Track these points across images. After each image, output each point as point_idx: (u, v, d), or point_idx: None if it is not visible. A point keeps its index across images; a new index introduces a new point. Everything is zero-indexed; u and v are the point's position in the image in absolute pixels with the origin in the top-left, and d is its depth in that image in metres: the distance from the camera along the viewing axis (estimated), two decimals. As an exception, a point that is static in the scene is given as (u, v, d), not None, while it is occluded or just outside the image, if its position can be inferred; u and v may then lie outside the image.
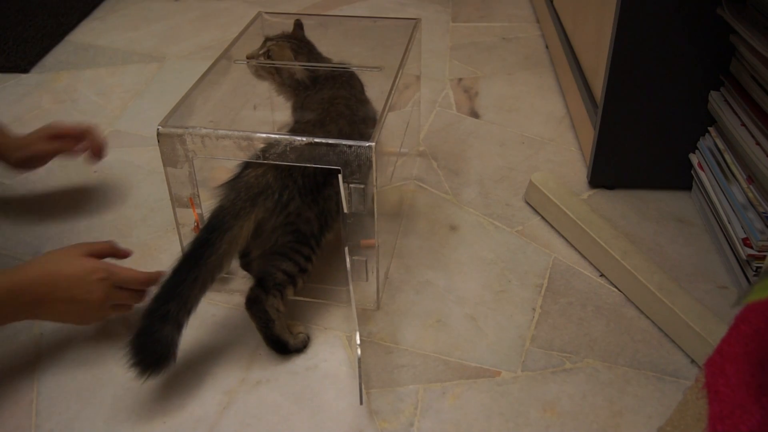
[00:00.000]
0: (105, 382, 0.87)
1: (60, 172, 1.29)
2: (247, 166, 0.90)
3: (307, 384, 0.87)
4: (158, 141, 0.87)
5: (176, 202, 0.93)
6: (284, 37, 1.07)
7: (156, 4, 2.06)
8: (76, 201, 1.21)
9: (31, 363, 0.90)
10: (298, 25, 1.11)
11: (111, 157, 1.34)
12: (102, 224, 1.15)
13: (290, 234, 0.89)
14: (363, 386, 0.85)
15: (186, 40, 1.82)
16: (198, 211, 0.93)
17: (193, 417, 0.83)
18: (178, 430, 0.81)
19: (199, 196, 0.92)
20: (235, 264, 0.99)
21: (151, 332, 0.81)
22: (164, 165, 0.90)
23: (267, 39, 1.07)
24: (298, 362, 0.90)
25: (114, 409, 0.84)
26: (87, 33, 1.87)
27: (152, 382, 0.87)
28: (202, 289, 0.84)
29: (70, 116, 1.47)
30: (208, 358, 0.91)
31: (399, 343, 0.92)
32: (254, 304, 0.88)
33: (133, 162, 1.32)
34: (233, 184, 0.89)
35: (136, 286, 0.90)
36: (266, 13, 1.20)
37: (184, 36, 1.85)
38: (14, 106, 1.51)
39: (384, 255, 1.04)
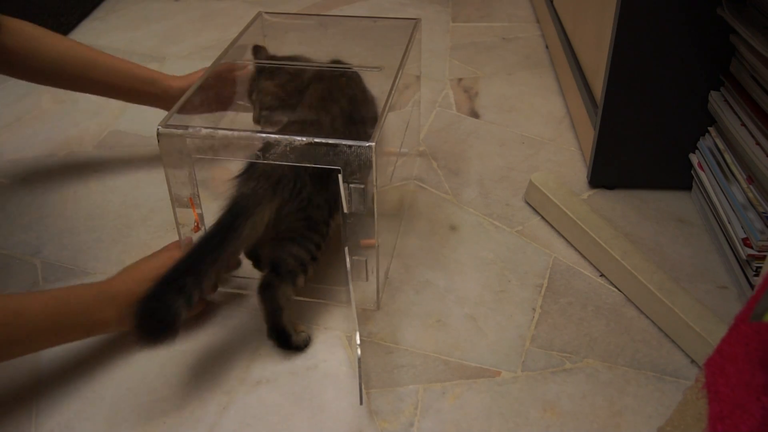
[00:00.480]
0: (105, 382, 0.87)
1: (60, 172, 1.29)
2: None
3: (307, 384, 0.87)
4: (158, 141, 0.87)
5: (176, 202, 0.93)
6: (258, 75, 1.07)
7: (156, 4, 2.06)
8: (76, 201, 1.21)
9: (31, 362, 0.90)
10: (256, 50, 1.10)
11: (111, 157, 1.34)
12: (102, 224, 1.15)
13: (302, 220, 0.89)
14: (363, 386, 0.85)
15: (186, 40, 1.82)
16: (198, 210, 0.93)
17: (193, 417, 0.83)
18: (178, 430, 0.81)
19: (198, 195, 0.92)
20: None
21: (164, 300, 0.79)
22: (164, 165, 0.89)
23: (250, 91, 1.07)
24: (298, 362, 0.90)
25: (114, 409, 0.84)
26: (87, 33, 1.87)
27: (152, 382, 0.87)
28: (217, 273, 0.85)
29: (69, 116, 1.47)
30: (208, 358, 0.91)
31: (399, 343, 0.92)
32: (266, 289, 0.88)
33: (133, 162, 1.32)
34: (250, 174, 0.89)
35: None
36: (266, 13, 1.20)
37: (184, 36, 1.85)
38: (14, 106, 1.51)
39: (384, 255, 1.04)
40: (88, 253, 1.09)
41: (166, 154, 0.89)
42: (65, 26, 1.86)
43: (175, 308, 0.80)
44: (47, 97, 1.54)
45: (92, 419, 0.83)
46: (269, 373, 0.88)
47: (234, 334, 0.94)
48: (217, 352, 0.92)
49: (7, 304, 0.78)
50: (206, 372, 0.89)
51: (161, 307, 0.79)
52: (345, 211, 0.87)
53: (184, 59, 1.71)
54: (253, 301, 0.98)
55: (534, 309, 0.97)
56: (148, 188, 1.24)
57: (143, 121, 1.43)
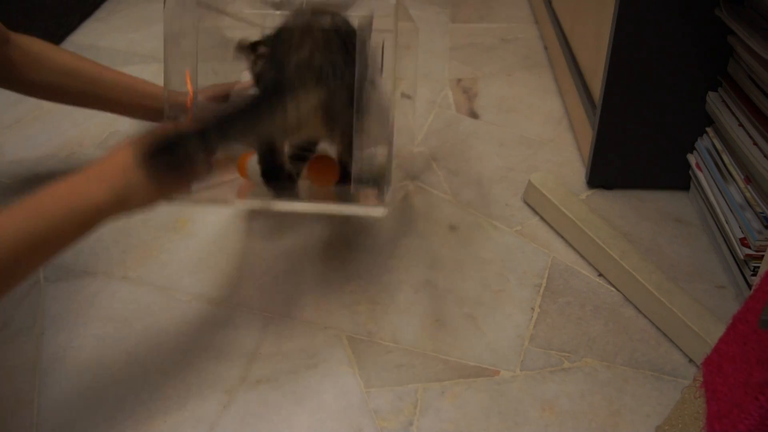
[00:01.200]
0: (105, 382, 0.88)
1: (61, 173, 1.29)
2: (286, 44, 0.81)
3: (307, 384, 0.87)
4: (164, 5, 0.82)
5: (171, 75, 0.85)
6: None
7: (157, 6, 2.06)
8: (76, 201, 1.21)
9: (31, 362, 0.90)
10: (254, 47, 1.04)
11: (111, 157, 1.34)
12: (102, 224, 1.15)
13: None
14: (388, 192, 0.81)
15: (186, 41, 1.83)
16: (193, 86, 0.88)
17: (194, 416, 0.83)
18: (178, 430, 0.82)
19: (196, 71, 0.87)
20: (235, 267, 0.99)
21: (168, 142, 0.76)
22: (165, 35, 0.83)
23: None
24: (298, 362, 0.90)
25: (114, 409, 0.84)
26: (88, 34, 1.87)
27: (153, 381, 0.87)
28: (238, 139, 0.80)
29: (70, 117, 1.47)
30: (208, 357, 0.91)
31: (398, 342, 0.93)
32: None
33: (133, 162, 1.32)
34: (283, 61, 0.80)
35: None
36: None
37: (184, 37, 1.85)
38: (14, 107, 1.51)
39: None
40: (88, 253, 1.09)
41: (169, 21, 0.82)
42: (66, 27, 1.86)
43: (176, 151, 0.75)
44: (48, 97, 1.54)
45: (92, 418, 0.83)
46: (269, 373, 0.89)
47: (234, 334, 0.94)
48: (218, 351, 0.92)
49: None
50: (207, 371, 0.89)
51: (162, 143, 0.75)
52: (361, 69, 0.79)
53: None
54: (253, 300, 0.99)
55: (533, 308, 0.98)
56: (149, 189, 1.24)
57: (144, 122, 1.43)
